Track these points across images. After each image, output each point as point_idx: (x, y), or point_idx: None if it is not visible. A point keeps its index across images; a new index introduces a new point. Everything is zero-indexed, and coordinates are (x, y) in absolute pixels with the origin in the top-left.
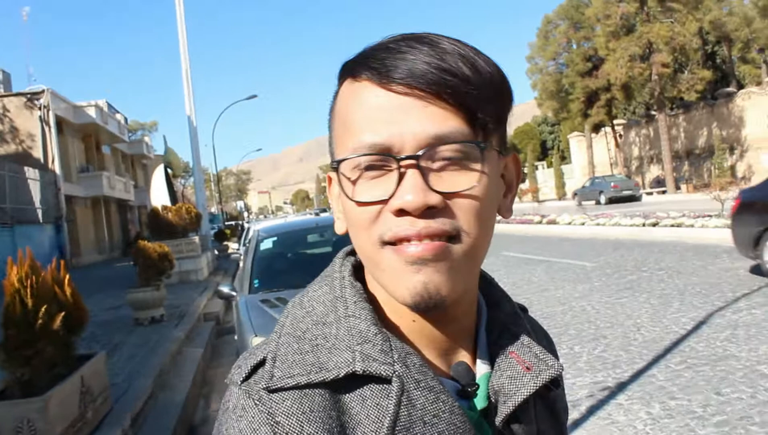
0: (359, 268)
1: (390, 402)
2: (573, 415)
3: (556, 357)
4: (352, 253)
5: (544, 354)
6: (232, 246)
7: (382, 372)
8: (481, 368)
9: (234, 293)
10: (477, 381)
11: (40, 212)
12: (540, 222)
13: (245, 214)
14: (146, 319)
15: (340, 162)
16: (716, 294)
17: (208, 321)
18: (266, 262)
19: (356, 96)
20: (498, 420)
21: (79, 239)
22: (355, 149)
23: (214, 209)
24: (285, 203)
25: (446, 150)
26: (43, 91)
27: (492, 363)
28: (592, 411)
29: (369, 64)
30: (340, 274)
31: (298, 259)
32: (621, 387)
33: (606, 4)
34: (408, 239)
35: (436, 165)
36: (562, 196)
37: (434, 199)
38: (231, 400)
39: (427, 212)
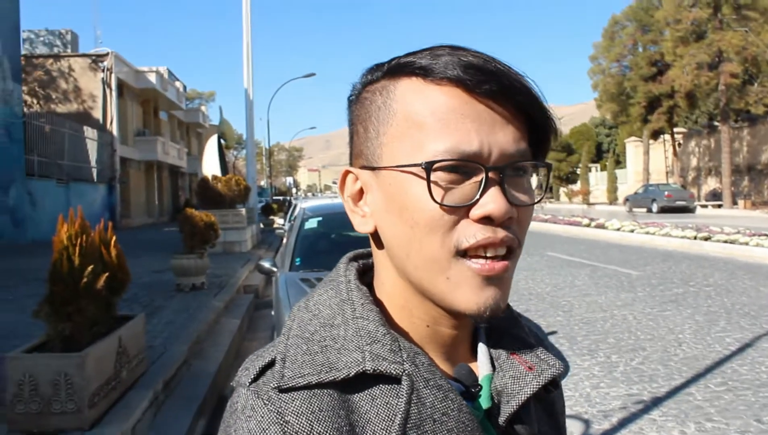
0: (364, 273)
1: (400, 400)
2: (603, 425)
3: (560, 358)
4: (355, 258)
5: (545, 354)
6: (278, 221)
7: (392, 371)
8: (482, 370)
9: (275, 269)
10: (480, 382)
11: (95, 172)
12: (588, 225)
13: (294, 190)
14: (187, 286)
15: (432, 163)
16: (766, 317)
17: (248, 293)
18: (309, 241)
19: (436, 98)
20: (502, 419)
21: (130, 201)
22: (440, 153)
23: (263, 183)
24: (334, 183)
25: (521, 167)
26: (107, 54)
27: (493, 365)
28: (623, 424)
29: (453, 68)
30: (345, 277)
31: (341, 240)
32: (656, 402)
33: (677, 7)
34: (487, 247)
35: (510, 180)
36: (613, 200)
37: (514, 211)
38: (239, 401)
39: (505, 223)
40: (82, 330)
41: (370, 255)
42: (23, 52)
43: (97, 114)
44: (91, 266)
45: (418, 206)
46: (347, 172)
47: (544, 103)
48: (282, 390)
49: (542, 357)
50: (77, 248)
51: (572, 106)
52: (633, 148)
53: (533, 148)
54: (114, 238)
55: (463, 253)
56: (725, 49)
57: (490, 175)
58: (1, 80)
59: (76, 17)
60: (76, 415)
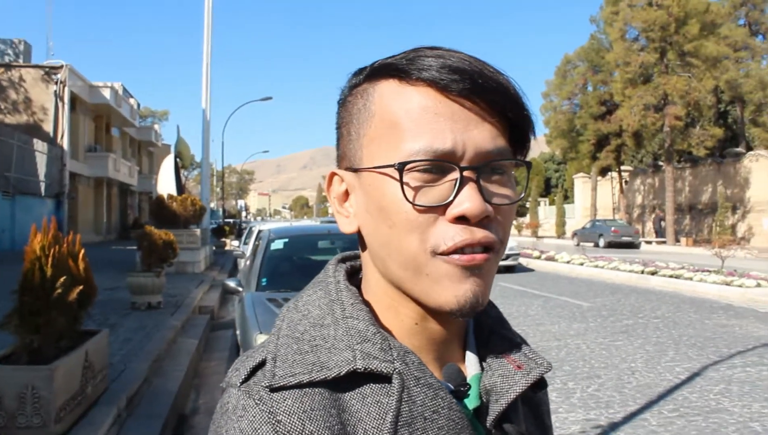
0: (352, 275)
1: (391, 399)
2: None
3: None
4: (344, 259)
5: (533, 353)
6: (231, 243)
7: (383, 369)
8: (471, 369)
9: (240, 289)
10: (468, 382)
11: (42, 186)
12: (539, 257)
13: (243, 214)
14: (143, 304)
15: (405, 164)
16: (711, 348)
17: (203, 314)
18: (276, 262)
19: (411, 99)
20: (491, 418)
21: (77, 217)
22: (414, 152)
23: (213, 205)
24: (283, 208)
25: (498, 165)
26: (61, 67)
27: (482, 364)
28: None
29: (428, 69)
30: (334, 278)
31: (307, 263)
32: (613, 427)
33: (627, 51)
34: (464, 248)
35: (487, 178)
36: (561, 234)
37: (490, 209)
38: (230, 401)
39: (482, 222)
40: (49, 342)
41: (358, 257)
42: None
43: (48, 127)
44: (63, 278)
45: (394, 207)
46: (333, 174)
47: (522, 101)
48: (273, 389)
49: (530, 356)
50: (50, 259)
51: None
52: (581, 184)
53: (513, 146)
54: (83, 250)
55: (444, 254)
56: (670, 93)
57: (465, 173)
58: None
59: (29, 28)
60: (42, 430)
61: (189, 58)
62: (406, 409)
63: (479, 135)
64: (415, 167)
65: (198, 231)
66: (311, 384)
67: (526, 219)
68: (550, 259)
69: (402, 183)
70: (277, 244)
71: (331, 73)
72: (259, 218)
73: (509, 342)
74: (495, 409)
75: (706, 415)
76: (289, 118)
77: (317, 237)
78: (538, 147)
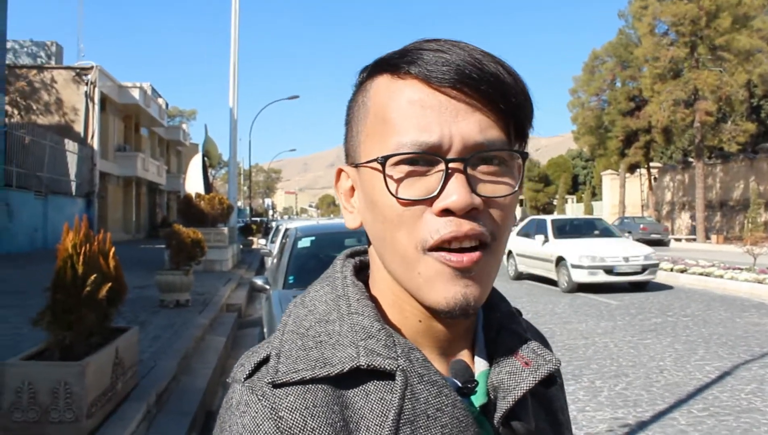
0: (360, 270)
1: (394, 396)
2: None
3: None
4: (353, 255)
5: (542, 349)
6: (258, 241)
7: (386, 366)
8: (479, 366)
9: (267, 286)
10: (476, 378)
11: (73, 185)
12: None
13: (270, 212)
14: (171, 302)
15: (387, 157)
16: (743, 347)
17: (231, 312)
18: (303, 260)
19: (400, 93)
20: (498, 415)
21: (107, 216)
22: (401, 146)
23: (241, 204)
24: (310, 206)
25: (489, 156)
26: (92, 68)
27: (490, 360)
28: None
29: (416, 62)
30: (341, 274)
31: (333, 259)
32: (641, 426)
33: (656, 45)
34: (451, 241)
35: (478, 170)
36: None
37: (477, 201)
38: (234, 397)
39: (470, 214)
40: (81, 339)
41: (366, 252)
42: (6, 61)
43: (79, 127)
44: (94, 275)
45: (382, 201)
46: (340, 170)
47: (516, 91)
48: (276, 385)
49: (539, 352)
50: (81, 257)
51: (550, 137)
52: (609, 181)
53: (514, 136)
54: (113, 249)
55: (432, 249)
56: (701, 88)
57: (452, 165)
58: None
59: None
60: (74, 425)
61: (216, 58)
62: (409, 406)
63: (467, 126)
64: (400, 160)
65: (225, 229)
66: (314, 380)
67: (555, 217)
68: None
69: (385, 176)
70: (304, 242)
71: (358, 69)
72: (286, 217)
73: (519, 338)
74: (502, 407)
75: (737, 415)
76: (315, 116)
77: (343, 235)
78: (566, 143)
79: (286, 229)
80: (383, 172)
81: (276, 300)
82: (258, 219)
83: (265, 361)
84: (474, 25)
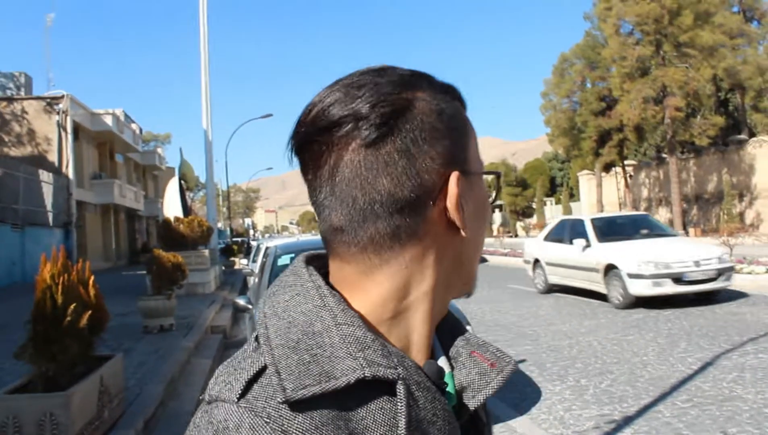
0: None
1: (401, 405)
2: None
3: None
4: (309, 261)
5: (500, 352)
6: (240, 262)
7: (389, 375)
8: (445, 368)
9: (250, 306)
10: (444, 380)
11: (50, 216)
12: None
13: (251, 232)
14: (155, 328)
15: (500, 174)
16: (723, 337)
17: (216, 334)
18: None
19: (469, 122)
20: (473, 405)
21: (86, 245)
22: (482, 165)
23: (221, 225)
24: (291, 223)
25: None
26: (62, 97)
27: (453, 364)
28: None
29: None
30: (314, 283)
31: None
32: (627, 421)
33: (622, 45)
34: None
35: None
36: None
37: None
38: (229, 419)
39: None
40: (64, 370)
41: (322, 257)
42: None
43: (53, 157)
44: (74, 305)
45: (486, 205)
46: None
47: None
48: (291, 404)
49: (499, 355)
50: (60, 287)
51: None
52: (586, 181)
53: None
54: (92, 277)
55: None
56: (668, 84)
57: (500, 182)
58: None
59: (27, 60)
60: None
61: (188, 80)
62: (413, 414)
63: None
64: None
65: (206, 251)
66: (322, 396)
67: (533, 219)
68: None
69: (498, 188)
70: (284, 260)
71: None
72: (267, 235)
73: (476, 341)
74: (473, 404)
75: (720, 404)
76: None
77: (321, 249)
78: (542, 146)
79: (267, 248)
80: (497, 184)
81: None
82: (239, 239)
83: (255, 378)
84: (439, 33)
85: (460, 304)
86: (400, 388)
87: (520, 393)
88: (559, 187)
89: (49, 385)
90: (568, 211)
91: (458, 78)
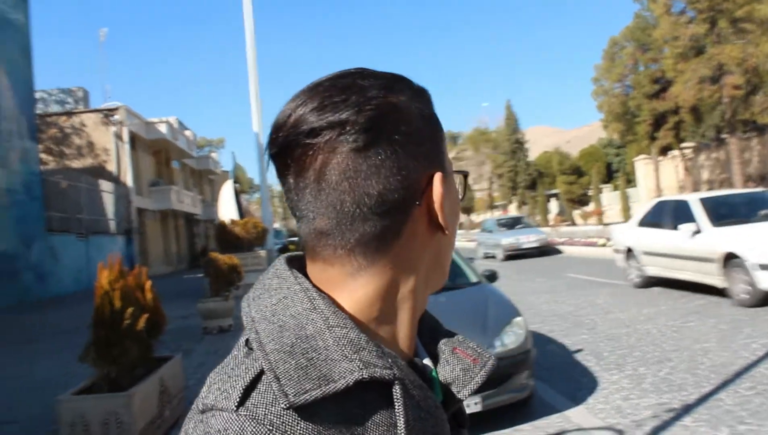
0: None
1: (399, 404)
2: (637, 434)
3: None
4: (290, 262)
5: (481, 347)
6: None
7: (386, 376)
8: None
9: None
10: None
11: (112, 224)
12: (604, 245)
13: None
14: (214, 329)
15: (467, 173)
16: None
17: None
18: None
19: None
20: (463, 394)
21: (148, 251)
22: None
23: (277, 225)
24: None
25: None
26: (118, 108)
27: (435, 361)
28: (656, 432)
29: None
30: (301, 286)
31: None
32: (687, 409)
33: (674, 25)
34: None
35: None
36: (628, 219)
37: None
38: (229, 428)
39: None
40: (125, 372)
41: (302, 259)
42: (37, 111)
43: (112, 167)
44: (131, 309)
45: (457, 206)
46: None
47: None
48: (296, 410)
49: (480, 351)
50: (117, 292)
51: (579, 128)
52: (643, 166)
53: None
54: (149, 282)
55: None
56: (726, 62)
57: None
58: (19, 139)
59: (84, 75)
60: None
61: (238, 85)
62: (411, 413)
63: None
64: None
65: (262, 252)
66: (323, 400)
67: (590, 207)
68: None
69: (466, 186)
70: None
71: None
72: None
73: (456, 338)
74: (457, 400)
75: None
76: None
77: None
78: (596, 132)
79: None
80: (465, 183)
81: None
82: (295, 238)
83: (253, 384)
84: (486, 22)
85: (515, 297)
86: (398, 389)
87: (576, 383)
88: (616, 173)
89: (112, 387)
90: (626, 197)
91: (504, 67)
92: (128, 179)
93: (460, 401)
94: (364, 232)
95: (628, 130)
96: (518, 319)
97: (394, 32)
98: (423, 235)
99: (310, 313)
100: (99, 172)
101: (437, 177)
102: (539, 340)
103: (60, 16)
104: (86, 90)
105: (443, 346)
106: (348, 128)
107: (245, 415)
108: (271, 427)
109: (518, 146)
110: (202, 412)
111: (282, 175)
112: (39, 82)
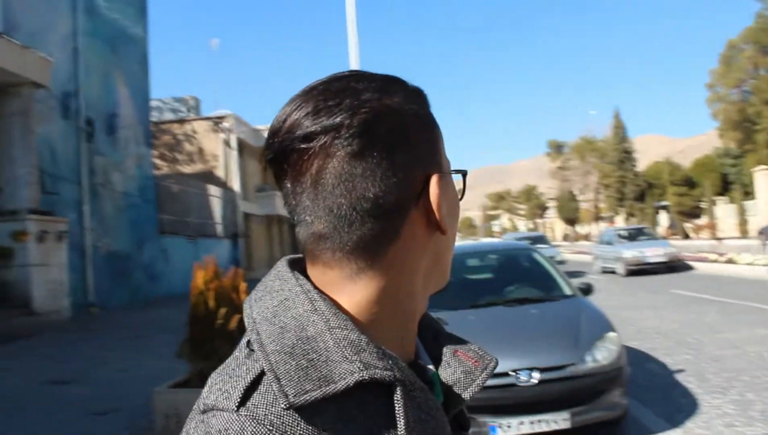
0: None
1: (399, 405)
2: None
3: None
4: (292, 264)
5: (482, 350)
6: None
7: (386, 378)
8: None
9: None
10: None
11: (219, 227)
12: (716, 260)
13: None
14: None
15: (466, 172)
16: None
17: None
18: None
19: (438, 124)
20: (466, 395)
21: (252, 254)
22: (450, 165)
23: None
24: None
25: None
26: (227, 116)
27: (436, 363)
28: None
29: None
30: (302, 288)
31: (457, 281)
32: None
33: None
34: None
35: None
36: (744, 234)
37: None
38: (230, 428)
39: None
40: (216, 368)
41: (303, 261)
42: (152, 119)
43: (220, 172)
44: (225, 309)
45: (457, 208)
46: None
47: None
48: (296, 410)
49: (481, 353)
50: (211, 292)
51: (692, 137)
52: (763, 177)
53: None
54: (244, 284)
55: None
56: None
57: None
58: (135, 145)
59: (197, 83)
60: None
61: None
62: (411, 415)
63: None
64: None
65: None
66: (323, 401)
67: (702, 220)
68: (730, 261)
69: (465, 187)
70: None
71: (490, 91)
72: None
73: (457, 340)
74: (458, 403)
75: None
76: (448, 139)
77: (466, 255)
78: (710, 142)
79: None
80: (464, 183)
81: None
82: None
83: (253, 385)
84: (596, 28)
85: (614, 311)
86: (398, 390)
87: (674, 404)
88: (732, 184)
89: (204, 382)
90: (742, 210)
91: (613, 74)
92: (236, 184)
93: (462, 403)
94: (361, 234)
95: (746, 139)
96: (612, 334)
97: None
98: (421, 236)
99: (311, 314)
100: (208, 177)
101: (434, 178)
102: (638, 357)
103: (175, 29)
104: (198, 98)
105: (445, 347)
106: (342, 132)
107: (246, 416)
108: (271, 427)
109: (626, 156)
110: (203, 412)
111: (280, 180)
112: (154, 91)
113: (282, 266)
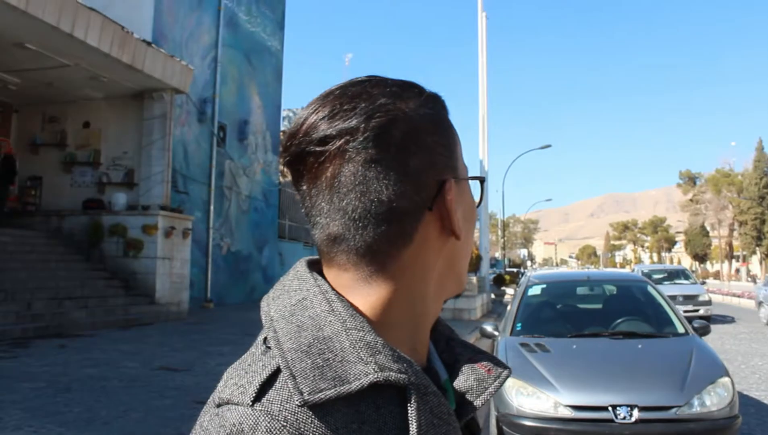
0: None
1: (412, 408)
2: None
3: None
4: (311, 265)
5: (495, 359)
6: (510, 292)
7: (400, 380)
8: (441, 374)
9: (496, 333)
10: (443, 385)
11: None
12: None
13: (528, 263)
14: None
15: (484, 178)
16: None
17: None
18: (532, 307)
19: (455, 129)
20: (478, 402)
21: None
22: (468, 171)
23: (497, 254)
24: (570, 257)
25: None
26: None
27: (449, 369)
28: None
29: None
30: (320, 289)
31: (564, 309)
32: None
33: None
34: None
35: None
36: None
37: None
38: (244, 422)
39: None
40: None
41: (320, 262)
42: (283, 128)
43: None
44: None
45: (474, 212)
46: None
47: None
48: (309, 407)
49: (494, 362)
50: None
51: None
52: None
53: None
54: None
55: None
56: None
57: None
58: (263, 152)
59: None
60: None
61: (465, 111)
62: (423, 418)
63: None
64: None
65: (474, 278)
66: (337, 400)
67: None
68: None
69: (483, 193)
70: (534, 290)
71: (617, 116)
72: (545, 267)
73: (471, 348)
74: (471, 409)
75: None
76: (573, 165)
77: (576, 283)
78: None
79: (523, 278)
80: (482, 189)
81: (502, 346)
82: (514, 269)
83: (269, 381)
84: (751, 53)
85: (737, 357)
86: (412, 393)
87: None
88: None
89: None
90: None
91: (759, 101)
92: None
93: (474, 410)
94: (375, 237)
95: None
96: (725, 379)
97: (639, 59)
98: (435, 240)
99: (328, 315)
100: None
101: (449, 183)
102: (764, 410)
103: (312, 43)
104: None
105: (458, 355)
106: (357, 136)
107: (260, 410)
108: (285, 423)
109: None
110: (218, 405)
111: (297, 183)
112: (287, 102)
113: (301, 266)
